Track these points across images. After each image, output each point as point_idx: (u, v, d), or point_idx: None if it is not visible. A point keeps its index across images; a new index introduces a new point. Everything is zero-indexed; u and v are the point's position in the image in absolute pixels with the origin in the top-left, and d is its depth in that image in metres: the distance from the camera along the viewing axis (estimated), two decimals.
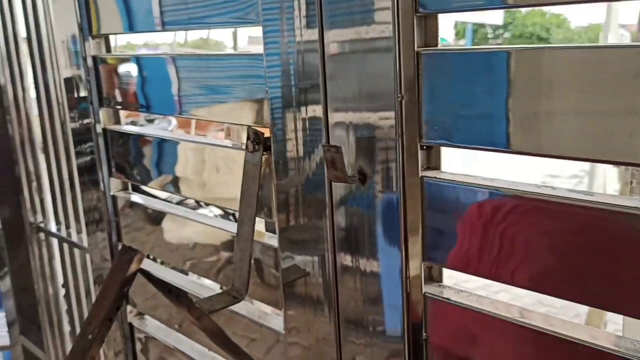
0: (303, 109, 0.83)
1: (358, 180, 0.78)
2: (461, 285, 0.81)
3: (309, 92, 0.81)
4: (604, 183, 6.54)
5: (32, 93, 1.74)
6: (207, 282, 1.48)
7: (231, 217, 3.12)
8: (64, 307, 1.83)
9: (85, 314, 1.68)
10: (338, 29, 0.76)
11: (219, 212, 3.17)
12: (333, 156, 0.76)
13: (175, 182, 1.16)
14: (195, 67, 1.01)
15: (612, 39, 6.67)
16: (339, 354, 0.87)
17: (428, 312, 0.77)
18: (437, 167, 0.76)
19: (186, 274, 1.39)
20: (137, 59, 1.16)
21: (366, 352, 0.83)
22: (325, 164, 0.79)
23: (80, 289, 1.66)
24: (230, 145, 1.06)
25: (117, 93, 1.22)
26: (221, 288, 1.49)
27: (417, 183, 0.74)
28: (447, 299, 0.75)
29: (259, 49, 0.88)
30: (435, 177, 0.73)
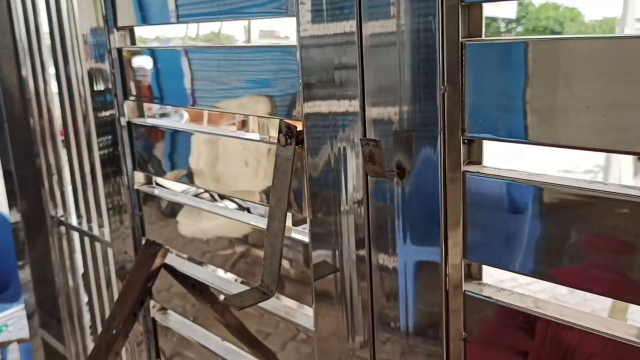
0: (338, 101, 0.81)
1: (397, 175, 0.76)
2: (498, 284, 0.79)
3: (345, 84, 0.79)
4: (619, 178, 6.49)
5: (53, 86, 1.74)
6: (229, 276, 1.47)
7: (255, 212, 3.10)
8: (84, 300, 1.83)
9: (106, 308, 1.68)
10: (377, 20, 0.74)
11: (248, 206, 3.15)
12: (372, 150, 0.74)
13: (201, 176, 1.14)
14: (225, 60, 0.99)
15: (629, 32, 6.60)
16: (372, 352, 0.85)
17: (467, 310, 0.75)
18: (479, 162, 0.74)
19: (210, 269, 1.38)
20: (165, 52, 1.15)
21: (402, 351, 0.81)
22: (362, 158, 0.77)
23: (101, 283, 1.65)
24: (259, 139, 1.04)
25: (142, 86, 1.20)
26: (241, 283, 1.48)
27: (458, 178, 0.72)
28: (488, 297, 0.73)
29: (291, 40, 0.86)
30: (477, 172, 0.71)
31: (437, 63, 0.69)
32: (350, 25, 0.77)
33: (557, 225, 0.65)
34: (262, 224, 1.04)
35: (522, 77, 0.64)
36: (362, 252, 0.83)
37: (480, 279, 0.77)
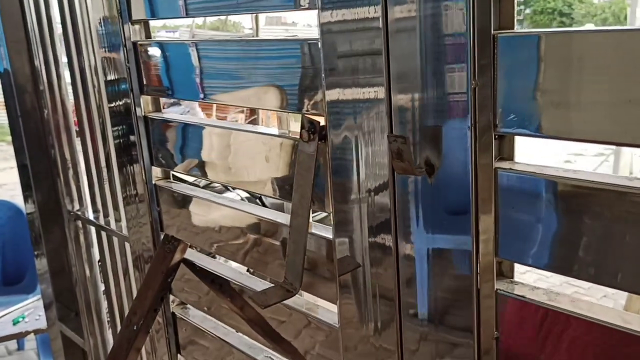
0: (363, 95, 0.79)
1: (425, 171, 0.74)
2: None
3: (370, 78, 0.77)
4: (631, 161, 6.43)
5: (67, 77, 1.72)
6: (245, 269, 1.46)
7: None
8: (102, 295, 1.83)
9: (124, 302, 1.67)
10: (404, 14, 0.71)
11: (271, 202, 3.13)
12: (400, 147, 0.72)
13: (219, 171, 1.13)
14: (244, 53, 0.97)
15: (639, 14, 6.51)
16: (400, 352, 0.84)
17: (500, 309, 0.73)
18: (510, 158, 0.72)
19: (230, 264, 1.37)
20: (181, 46, 1.13)
21: (432, 351, 0.79)
22: (389, 155, 0.75)
23: (119, 278, 1.65)
24: (278, 134, 1.03)
25: (159, 80, 1.18)
26: (259, 278, 1.47)
27: (490, 175, 0.70)
28: (522, 296, 0.71)
29: (313, 33, 0.83)
30: (510, 169, 0.69)
31: (468, 56, 0.67)
32: (373, 18, 0.74)
33: (592, 223, 0.63)
34: (285, 220, 1.02)
35: (554, 70, 0.62)
36: (389, 249, 0.81)
37: (512, 277, 0.75)
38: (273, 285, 0.91)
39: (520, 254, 0.70)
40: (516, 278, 0.75)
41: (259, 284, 1.17)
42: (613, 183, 0.62)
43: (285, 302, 1.05)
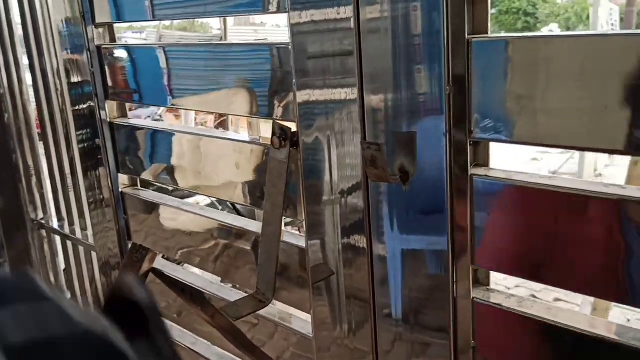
0: (335, 98, 0.77)
1: (400, 179, 0.72)
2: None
3: (342, 83, 0.75)
4: (595, 159, 6.54)
5: (28, 79, 1.67)
6: (218, 279, 1.43)
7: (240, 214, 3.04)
8: None
9: None
10: (375, 10, 0.70)
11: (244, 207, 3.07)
12: (374, 154, 0.70)
13: (187, 178, 1.10)
14: (213, 57, 0.95)
15: (602, 13, 6.63)
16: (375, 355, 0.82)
17: (476, 318, 0.72)
18: (486, 164, 0.71)
19: (200, 272, 1.34)
20: (147, 50, 1.10)
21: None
22: (363, 162, 0.74)
23: (86, 287, 1.60)
24: (248, 140, 1.00)
25: (124, 85, 1.15)
26: (232, 287, 1.44)
27: (465, 182, 0.68)
28: (498, 304, 0.70)
29: (282, 33, 0.81)
30: (485, 175, 0.68)
31: (442, 62, 0.65)
32: (345, 19, 0.73)
33: (574, 230, 0.62)
34: (256, 227, 1.00)
35: (531, 75, 0.61)
36: (363, 258, 0.79)
37: (488, 284, 0.74)
38: (245, 295, 0.89)
39: (496, 262, 0.69)
40: (498, 282, 0.75)
41: (230, 293, 1.15)
42: (590, 190, 0.61)
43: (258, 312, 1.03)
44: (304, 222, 0.87)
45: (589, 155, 6.00)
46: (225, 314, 0.84)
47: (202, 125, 6.76)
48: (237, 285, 1.16)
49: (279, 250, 0.83)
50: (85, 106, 1.25)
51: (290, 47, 0.80)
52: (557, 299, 3.79)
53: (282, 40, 0.82)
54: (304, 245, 0.88)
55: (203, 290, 1.17)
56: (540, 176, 0.65)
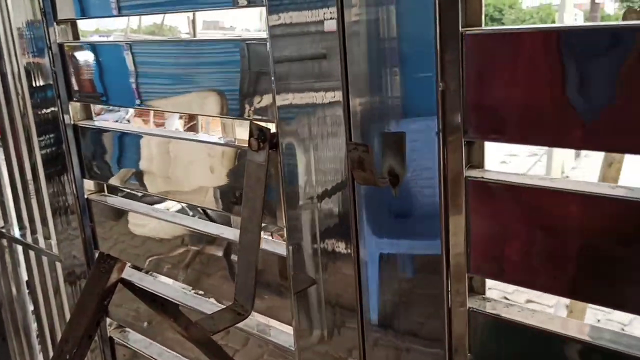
0: (318, 100, 0.72)
1: (389, 182, 0.67)
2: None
3: (325, 80, 0.70)
4: (562, 161, 6.62)
5: None
6: (191, 288, 1.37)
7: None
8: (32, 319, 1.69)
9: (56, 324, 1.55)
10: (361, 7, 0.65)
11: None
12: (361, 156, 0.65)
13: (157, 182, 1.04)
14: (184, 55, 0.89)
15: (567, 18, 6.73)
16: None
17: (472, 329, 0.68)
18: (480, 165, 0.66)
19: (172, 282, 1.28)
20: (112, 48, 1.03)
21: None
22: (350, 164, 0.69)
23: (50, 299, 1.52)
24: (222, 142, 0.95)
25: (90, 85, 1.08)
26: (203, 295, 1.38)
27: (460, 184, 0.64)
28: (496, 315, 0.66)
29: (260, 33, 0.76)
30: (482, 177, 0.63)
31: (434, 56, 0.61)
32: (329, 12, 0.68)
33: (574, 234, 0.58)
34: (231, 234, 0.95)
35: (530, 71, 0.57)
36: (349, 265, 0.74)
37: (484, 293, 0.70)
38: (222, 308, 0.83)
39: (494, 270, 0.65)
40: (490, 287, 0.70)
41: (205, 303, 1.09)
42: (596, 192, 0.57)
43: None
44: (284, 229, 0.82)
45: (556, 157, 6.06)
46: (201, 327, 0.78)
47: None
48: (212, 296, 1.10)
49: (258, 259, 0.78)
50: (47, 110, 1.18)
51: (268, 45, 0.74)
52: (529, 300, 3.79)
53: (258, 36, 0.77)
54: (284, 253, 0.83)
55: (175, 301, 1.11)
56: (541, 177, 0.61)
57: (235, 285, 0.82)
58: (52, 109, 1.15)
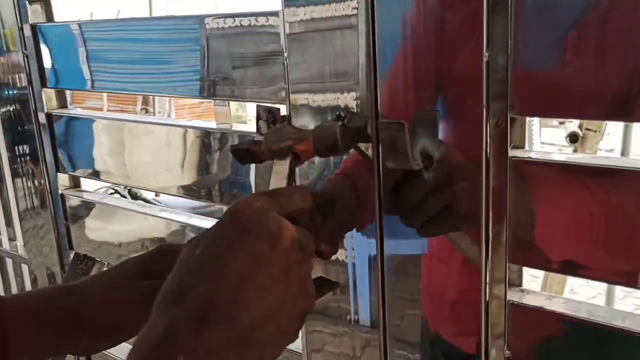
0: (339, 73, 0.66)
1: (423, 165, 0.61)
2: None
3: (347, 52, 0.64)
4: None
5: None
6: None
7: None
8: None
9: None
10: None
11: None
12: (394, 135, 0.59)
13: (138, 175, 0.96)
14: (178, 30, 0.81)
15: None
16: None
17: (512, 324, 0.63)
18: (522, 145, 0.61)
19: None
20: (95, 28, 0.95)
21: None
22: (378, 146, 0.63)
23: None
24: (216, 129, 0.88)
25: (64, 70, 1.00)
26: None
27: (504, 166, 0.59)
28: (540, 307, 0.61)
29: (274, 4, 0.70)
30: (528, 157, 0.58)
31: (482, 24, 0.55)
32: None
33: (631, 217, 0.54)
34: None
35: (585, 37, 0.52)
36: (373, 258, 0.68)
37: (521, 285, 0.65)
38: None
39: (537, 259, 0.60)
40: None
41: None
42: None
43: None
44: None
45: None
46: None
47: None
48: None
49: None
50: (15, 96, 1.08)
51: (282, 14, 0.68)
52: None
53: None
54: None
55: None
56: (592, 157, 0.56)
57: None
58: (22, 93, 1.05)
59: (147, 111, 8.01)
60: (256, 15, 0.72)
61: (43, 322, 0.61)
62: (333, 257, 0.67)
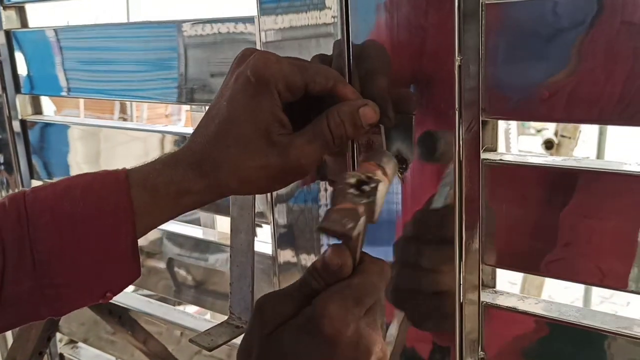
0: None
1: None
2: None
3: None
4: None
5: None
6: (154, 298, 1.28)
7: None
8: None
9: (0, 345, 1.41)
10: None
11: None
12: (371, 138, 0.60)
13: None
14: (157, 38, 0.81)
15: None
16: None
17: (485, 325, 0.63)
18: (494, 148, 0.62)
19: (129, 289, 1.18)
20: (71, 32, 0.94)
21: None
22: (355, 149, 0.63)
23: None
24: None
25: (40, 76, 0.99)
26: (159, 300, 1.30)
27: (476, 168, 0.59)
28: (512, 308, 0.62)
29: (250, 9, 0.70)
30: (500, 160, 0.59)
31: (454, 28, 0.56)
32: None
33: (604, 219, 0.55)
34: (214, 237, 0.87)
35: (559, 42, 0.53)
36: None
37: (495, 286, 0.66)
38: (217, 323, 0.75)
39: (510, 260, 0.61)
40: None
41: (165, 310, 1.01)
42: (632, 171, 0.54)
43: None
44: (273, 226, 0.75)
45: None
46: (197, 344, 0.70)
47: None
48: (180, 302, 1.02)
49: (253, 262, 0.71)
50: None
51: (257, 20, 0.68)
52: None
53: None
54: (271, 253, 0.76)
55: (134, 310, 1.03)
56: (564, 159, 0.58)
57: (230, 295, 0.74)
58: None
59: (124, 119, 7.97)
60: (232, 21, 0.72)
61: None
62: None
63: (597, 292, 3.37)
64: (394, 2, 0.58)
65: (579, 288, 3.30)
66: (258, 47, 0.69)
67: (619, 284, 0.55)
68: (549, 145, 2.49)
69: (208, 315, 1.01)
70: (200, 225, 1.03)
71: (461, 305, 0.63)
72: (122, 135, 0.94)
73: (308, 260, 0.72)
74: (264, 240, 0.79)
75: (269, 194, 0.73)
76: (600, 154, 3.03)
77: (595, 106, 0.53)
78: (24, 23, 1.02)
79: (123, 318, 1.06)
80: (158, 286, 1.00)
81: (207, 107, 0.82)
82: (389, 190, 0.57)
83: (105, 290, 0.55)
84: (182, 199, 0.54)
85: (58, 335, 1.14)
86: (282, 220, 0.73)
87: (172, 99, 0.83)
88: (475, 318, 0.63)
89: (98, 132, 0.96)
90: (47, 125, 1.03)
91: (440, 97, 0.58)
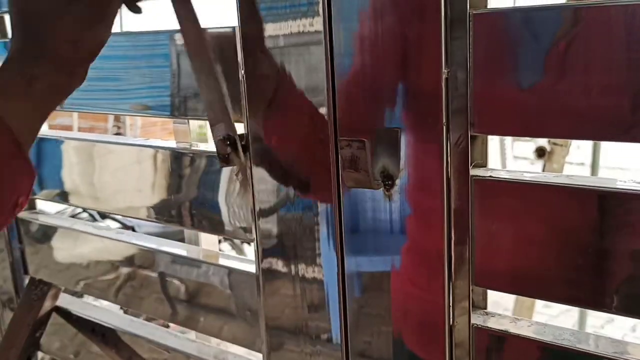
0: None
1: (383, 184, 0.60)
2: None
3: (304, 71, 0.62)
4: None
5: None
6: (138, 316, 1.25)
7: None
8: None
9: None
10: None
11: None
12: (354, 153, 0.58)
13: (96, 196, 0.92)
14: (133, 47, 0.79)
15: None
16: None
17: (476, 349, 0.61)
18: (484, 164, 0.60)
19: (114, 308, 1.15)
20: None
21: None
22: (340, 164, 0.61)
23: None
24: (177, 148, 0.85)
25: None
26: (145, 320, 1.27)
27: (465, 185, 0.57)
28: (504, 331, 0.59)
29: (230, 21, 0.67)
30: (490, 177, 0.57)
31: (440, 39, 0.54)
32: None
33: (597, 236, 0.52)
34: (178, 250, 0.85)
35: (549, 55, 0.51)
36: (336, 284, 0.66)
37: (486, 307, 0.63)
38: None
39: (502, 281, 0.58)
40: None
41: (154, 331, 0.98)
42: (616, 188, 0.51)
43: (192, 351, 0.88)
44: (256, 243, 0.72)
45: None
46: None
47: None
48: (165, 323, 0.99)
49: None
50: None
51: (237, 30, 0.66)
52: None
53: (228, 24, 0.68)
54: (254, 271, 0.74)
55: (118, 329, 0.99)
56: (556, 175, 0.55)
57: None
58: None
59: (119, 127, 7.92)
60: (212, 29, 0.70)
61: None
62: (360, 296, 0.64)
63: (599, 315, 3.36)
64: (378, 11, 0.56)
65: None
66: (239, 56, 0.67)
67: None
68: (540, 153, 2.46)
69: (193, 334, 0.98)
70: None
71: (451, 327, 0.60)
72: (104, 148, 0.91)
73: (295, 274, 0.69)
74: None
75: (253, 211, 0.71)
76: (595, 160, 3.01)
77: (589, 121, 0.50)
78: (3, 34, 1.00)
79: (107, 336, 1.03)
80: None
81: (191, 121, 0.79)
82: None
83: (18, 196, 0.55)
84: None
85: (39, 354, 1.11)
86: (269, 235, 0.70)
87: (164, 112, 0.79)
88: (466, 340, 0.61)
89: (84, 147, 0.93)
90: (40, 140, 0.99)
91: (427, 112, 0.56)
